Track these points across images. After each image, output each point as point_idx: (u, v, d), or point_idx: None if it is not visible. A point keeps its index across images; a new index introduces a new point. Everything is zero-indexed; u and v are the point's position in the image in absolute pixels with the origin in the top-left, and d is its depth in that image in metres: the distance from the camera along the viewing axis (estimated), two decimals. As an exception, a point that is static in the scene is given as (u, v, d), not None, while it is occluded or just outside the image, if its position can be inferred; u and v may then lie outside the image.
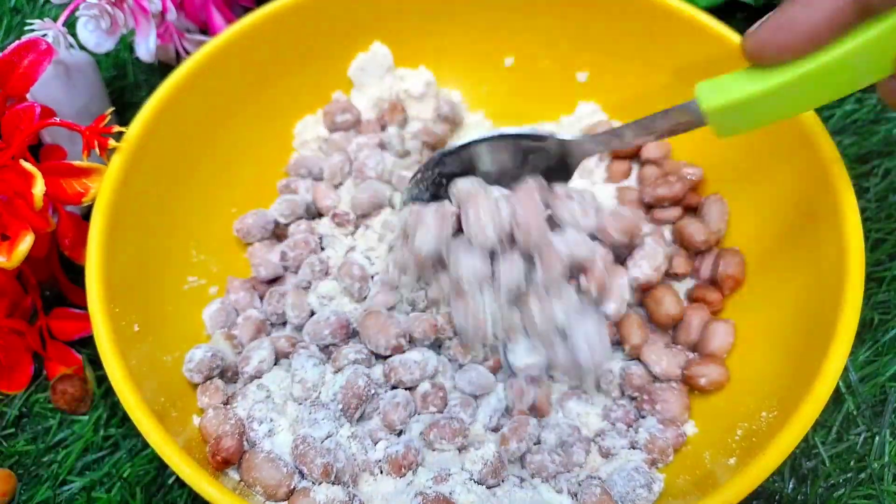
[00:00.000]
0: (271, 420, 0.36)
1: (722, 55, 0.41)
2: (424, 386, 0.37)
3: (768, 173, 0.40)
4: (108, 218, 0.37)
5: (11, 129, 0.37)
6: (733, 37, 0.41)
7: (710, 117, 0.33)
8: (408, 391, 0.37)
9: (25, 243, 0.35)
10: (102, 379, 0.42)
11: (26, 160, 0.36)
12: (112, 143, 0.37)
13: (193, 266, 0.43)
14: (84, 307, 0.43)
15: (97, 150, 0.36)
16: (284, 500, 0.33)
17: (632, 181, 0.46)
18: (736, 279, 0.40)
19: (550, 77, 0.49)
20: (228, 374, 0.39)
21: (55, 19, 0.44)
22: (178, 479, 0.39)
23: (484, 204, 0.36)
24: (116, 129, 0.36)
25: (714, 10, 0.45)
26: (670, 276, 0.41)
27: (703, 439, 0.37)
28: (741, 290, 0.40)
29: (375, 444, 0.36)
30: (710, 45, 0.42)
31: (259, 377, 0.38)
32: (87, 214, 0.37)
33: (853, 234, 0.34)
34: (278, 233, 0.45)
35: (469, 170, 0.39)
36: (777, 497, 0.38)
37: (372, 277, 0.41)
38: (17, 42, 0.38)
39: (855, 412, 0.40)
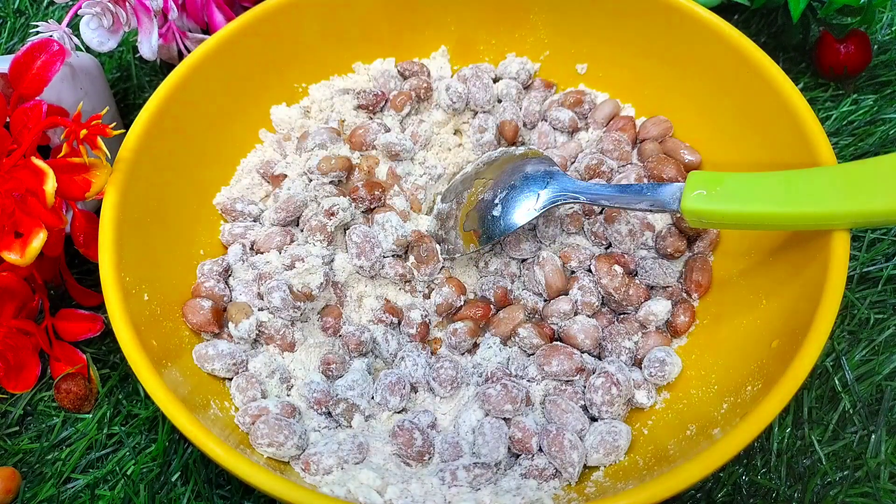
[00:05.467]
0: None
1: (717, 47, 0.42)
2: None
3: (763, 167, 0.41)
4: (119, 200, 0.38)
5: (20, 128, 0.37)
6: (726, 27, 0.42)
7: (686, 214, 0.36)
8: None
9: (38, 240, 0.35)
10: (106, 378, 0.43)
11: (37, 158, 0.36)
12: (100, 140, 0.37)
13: (201, 244, 0.44)
14: (90, 308, 0.44)
15: (88, 146, 0.37)
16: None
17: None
18: (705, 287, 0.42)
19: (551, 69, 0.50)
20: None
21: (59, 21, 0.44)
22: (181, 476, 0.39)
23: None
24: (109, 128, 0.36)
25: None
26: (664, 255, 0.43)
27: (688, 413, 0.37)
28: (729, 273, 0.41)
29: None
30: (704, 36, 0.43)
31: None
32: (98, 211, 0.38)
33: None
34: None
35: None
36: (774, 495, 0.38)
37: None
38: (29, 43, 0.38)
39: (851, 411, 0.40)
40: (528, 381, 0.39)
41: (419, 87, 0.47)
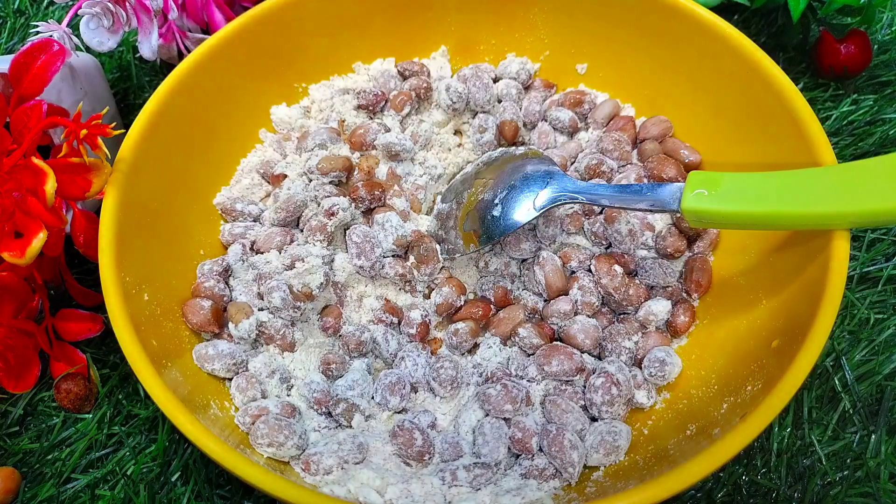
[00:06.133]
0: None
1: (717, 47, 0.42)
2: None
3: (763, 167, 0.41)
4: (119, 200, 0.38)
5: (20, 128, 0.37)
6: (726, 27, 0.42)
7: (686, 214, 0.36)
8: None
9: (38, 240, 0.35)
10: (106, 378, 0.43)
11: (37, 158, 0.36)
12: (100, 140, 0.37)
13: (201, 244, 0.44)
14: (90, 308, 0.44)
15: (88, 146, 0.37)
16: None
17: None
18: (705, 287, 0.42)
19: (551, 69, 0.50)
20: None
21: (59, 21, 0.44)
22: (181, 476, 0.39)
23: None
24: (109, 128, 0.36)
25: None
26: (664, 255, 0.43)
27: (688, 413, 0.37)
28: (729, 273, 0.41)
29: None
30: (704, 36, 0.43)
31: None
32: (98, 211, 0.38)
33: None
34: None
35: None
36: (773, 495, 0.38)
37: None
38: (29, 43, 0.38)
39: (851, 411, 0.41)
40: (528, 381, 0.39)
41: (419, 87, 0.47)
